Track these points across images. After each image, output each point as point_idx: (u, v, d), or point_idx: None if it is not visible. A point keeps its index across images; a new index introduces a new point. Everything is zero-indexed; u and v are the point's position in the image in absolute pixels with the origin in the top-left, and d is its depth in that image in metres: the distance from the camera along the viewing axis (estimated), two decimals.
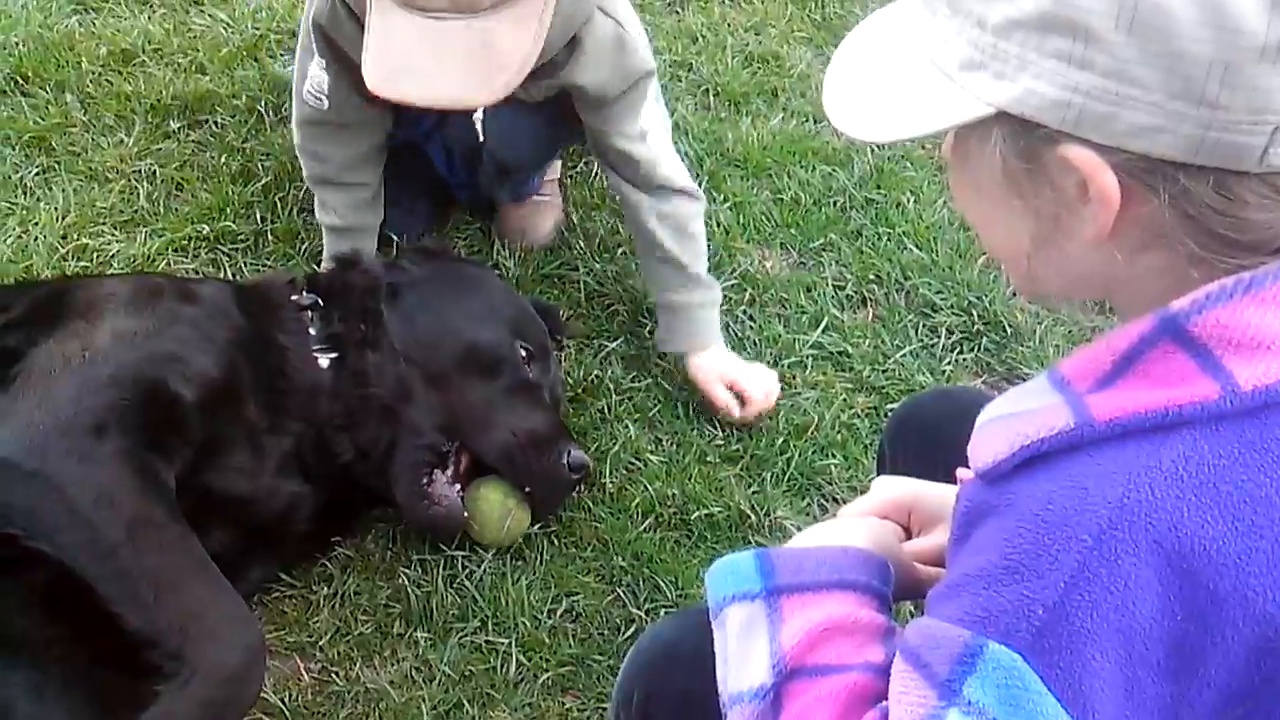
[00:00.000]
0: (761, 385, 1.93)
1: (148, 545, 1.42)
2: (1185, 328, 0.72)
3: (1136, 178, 0.74)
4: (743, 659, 0.88)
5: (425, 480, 1.68)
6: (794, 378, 2.03)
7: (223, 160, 2.38)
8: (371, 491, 1.75)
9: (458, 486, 1.71)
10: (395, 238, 2.13)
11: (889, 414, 1.95)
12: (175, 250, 2.20)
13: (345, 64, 1.86)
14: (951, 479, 1.15)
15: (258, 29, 2.74)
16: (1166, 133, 0.71)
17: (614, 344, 2.06)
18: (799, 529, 1.77)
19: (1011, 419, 0.78)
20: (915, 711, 0.75)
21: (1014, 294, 2.18)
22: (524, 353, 1.81)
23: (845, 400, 2.00)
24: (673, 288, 1.95)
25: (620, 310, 2.13)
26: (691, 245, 1.96)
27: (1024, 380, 1.95)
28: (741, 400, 1.92)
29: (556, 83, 1.83)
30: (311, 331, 1.74)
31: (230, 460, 1.60)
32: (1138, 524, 0.69)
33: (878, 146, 2.35)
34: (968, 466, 1.12)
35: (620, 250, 2.21)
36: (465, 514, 1.69)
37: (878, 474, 1.46)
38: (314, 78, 1.91)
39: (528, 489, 1.72)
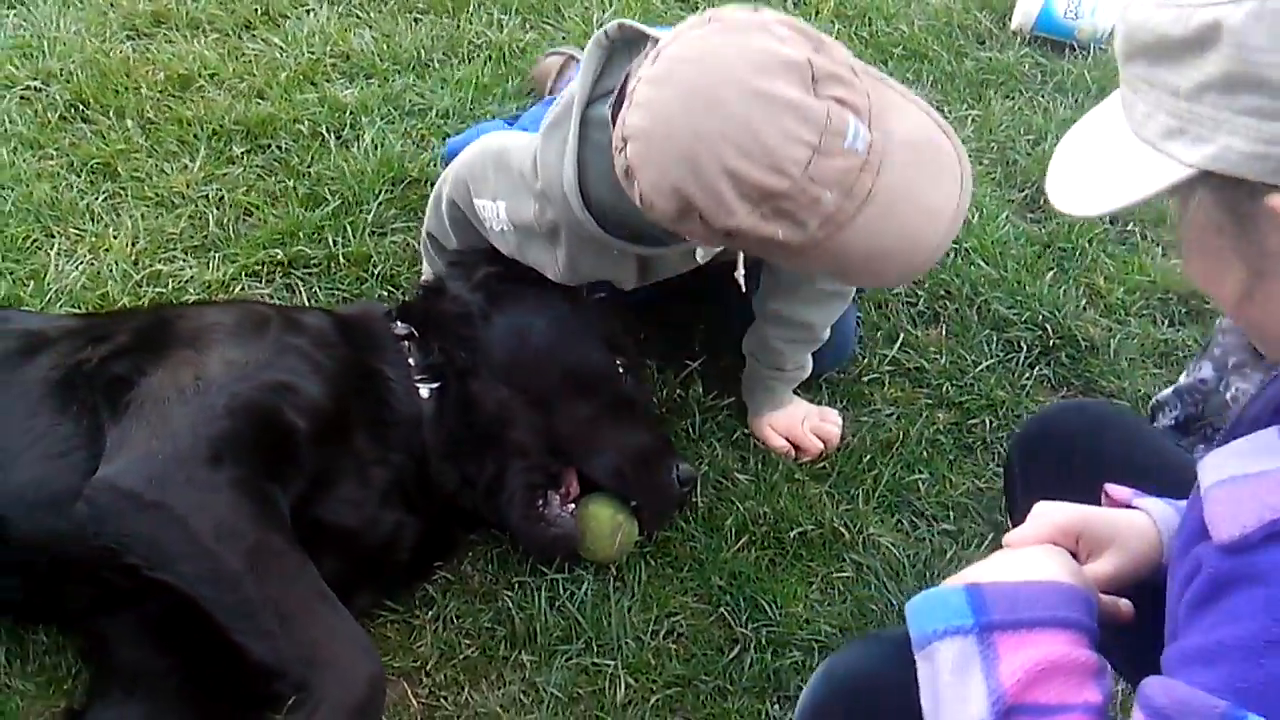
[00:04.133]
0: (814, 434, 1.95)
1: (269, 574, 1.43)
2: None
3: None
4: (958, 696, 0.89)
5: (540, 503, 1.69)
6: (873, 394, 2.05)
7: (290, 185, 2.39)
8: (473, 517, 1.76)
9: (572, 506, 1.72)
10: None
11: (1001, 431, 1.98)
12: (248, 275, 2.21)
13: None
14: (1092, 495, 1.17)
15: (313, 53, 2.75)
16: None
17: (695, 364, 2.07)
18: (892, 546, 1.80)
19: (1254, 482, 0.78)
20: None
21: (1085, 308, 2.20)
22: (621, 368, 1.82)
23: (927, 416, 2.01)
24: (763, 361, 1.95)
25: (700, 329, 2.14)
26: (807, 349, 1.94)
27: (1101, 394, 1.98)
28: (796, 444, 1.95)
29: None
30: (411, 362, 1.74)
31: (340, 491, 1.60)
32: None
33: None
34: (1110, 480, 1.14)
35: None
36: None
37: (1006, 493, 1.48)
38: (493, 217, 1.79)
39: (634, 504, 1.73)
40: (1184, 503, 1.11)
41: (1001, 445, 1.97)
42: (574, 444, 1.75)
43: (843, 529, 1.84)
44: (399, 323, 1.81)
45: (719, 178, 1.32)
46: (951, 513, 1.88)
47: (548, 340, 1.80)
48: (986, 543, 1.83)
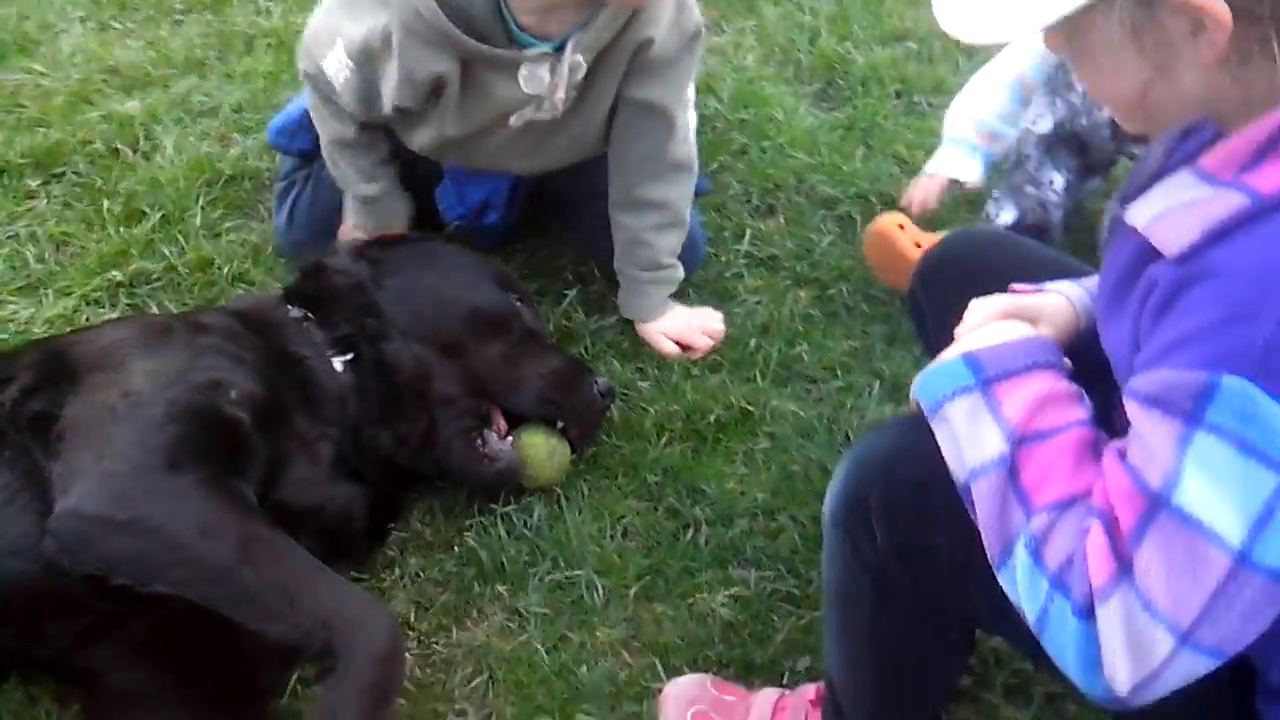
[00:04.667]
0: (702, 334, 2.10)
1: (263, 559, 1.44)
2: None
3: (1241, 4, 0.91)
4: (974, 439, 1.05)
5: (478, 443, 1.75)
6: (737, 288, 2.21)
7: (103, 206, 2.31)
8: (411, 475, 1.80)
9: (509, 439, 1.79)
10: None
11: (856, 295, 2.18)
12: (90, 304, 2.14)
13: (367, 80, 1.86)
14: None
15: (79, 73, 2.66)
16: None
17: (571, 291, 2.17)
18: (796, 411, 1.97)
19: (1187, 208, 0.95)
20: (1162, 445, 0.91)
21: (897, 174, 2.43)
22: (518, 302, 1.90)
23: (791, 296, 2.19)
24: (639, 264, 2.07)
25: (563, 263, 2.24)
26: (675, 236, 2.06)
27: None
28: (685, 347, 2.09)
29: (632, 40, 1.86)
30: (318, 340, 1.76)
31: (294, 473, 1.61)
32: None
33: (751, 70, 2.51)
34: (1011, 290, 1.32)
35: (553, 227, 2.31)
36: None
37: (916, 324, 1.66)
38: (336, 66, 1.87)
39: (562, 425, 1.83)
40: (1086, 280, 1.32)
41: (863, 307, 2.17)
42: (494, 383, 1.82)
43: (749, 407, 1.99)
44: (291, 307, 1.82)
45: None
46: (837, 371, 2.06)
47: (445, 291, 1.85)
48: (874, 390, 2.03)
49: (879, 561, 1.18)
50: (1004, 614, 1.02)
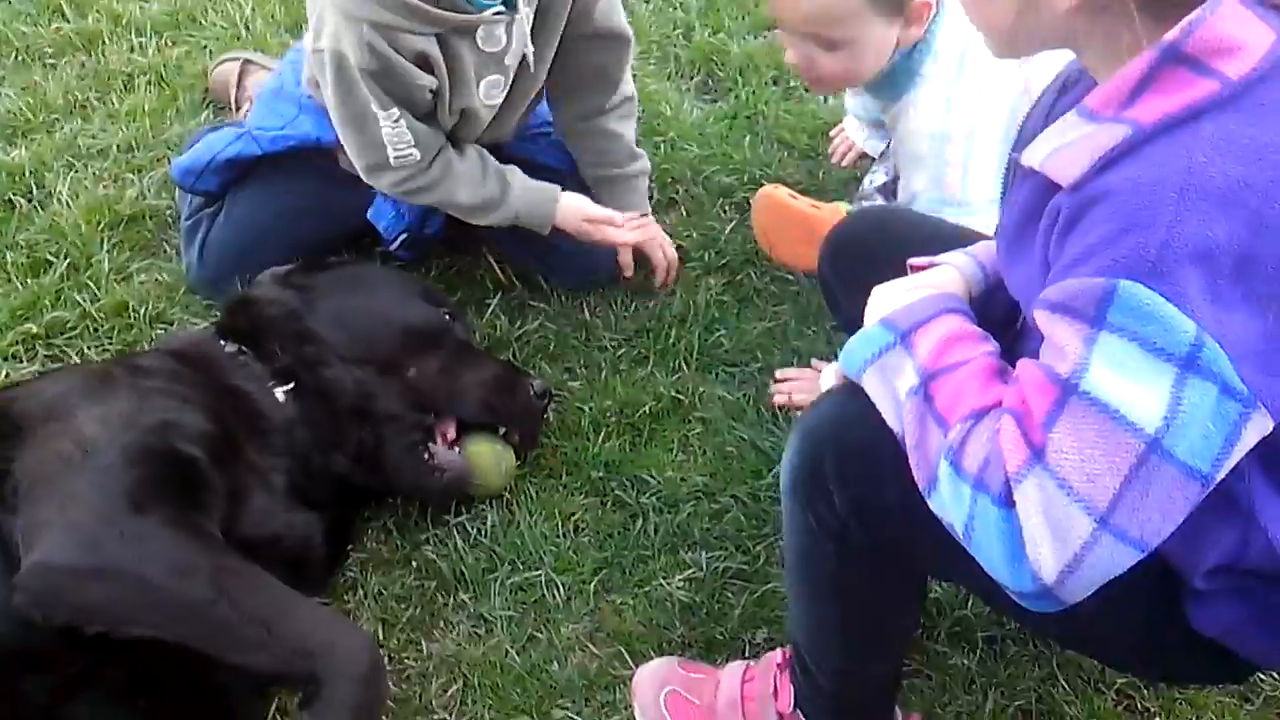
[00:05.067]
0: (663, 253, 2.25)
1: (238, 591, 1.46)
2: (1181, 50, 1.03)
3: None
4: (896, 384, 1.16)
5: (426, 455, 1.80)
6: (650, 282, 2.28)
7: (7, 259, 2.27)
8: (365, 495, 1.84)
9: (457, 449, 1.84)
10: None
11: (765, 278, 2.27)
12: (8, 359, 2.11)
13: (402, 99, 1.90)
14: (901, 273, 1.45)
15: None
16: None
17: (493, 300, 2.22)
18: (723, 394, 2.06)
19: (1077, 144, 1.06)
20: (1070, 342, 1.01)
21: (783, 157, 2.54)
22: (447, 315, 1.95)
23: (703, 284, 2.27)
24: (617, 162, 2.21)
25: (476, 273, 2.29)
26: (632, 124, 2.24)
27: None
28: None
29: None
30: (258, 373, 1.78)
31: (252, 505, 1.64)
32: (1203, 176, 0.98)
33: None
34: (910, 256, 1.43)
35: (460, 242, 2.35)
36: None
37: (827, 301, 1.76)
38: (394, 136, 1.91)
39: (504, 431, 1.89)
40: (974, 246, 1.43)
41: (771, 289, 2.27)
42: (435, 395, 1.86)
43: (679, 396, 2.07)
44: (225, 342, 1.83)
45: None
46: (757, 353, 2.15)
47: (377, 311, 1.89)
48: (794, 365, 2.13)
49: (838, 523, 1.27)
50: (953, 558, 1.10)
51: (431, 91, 1.91)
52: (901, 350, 1.19)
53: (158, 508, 1.48)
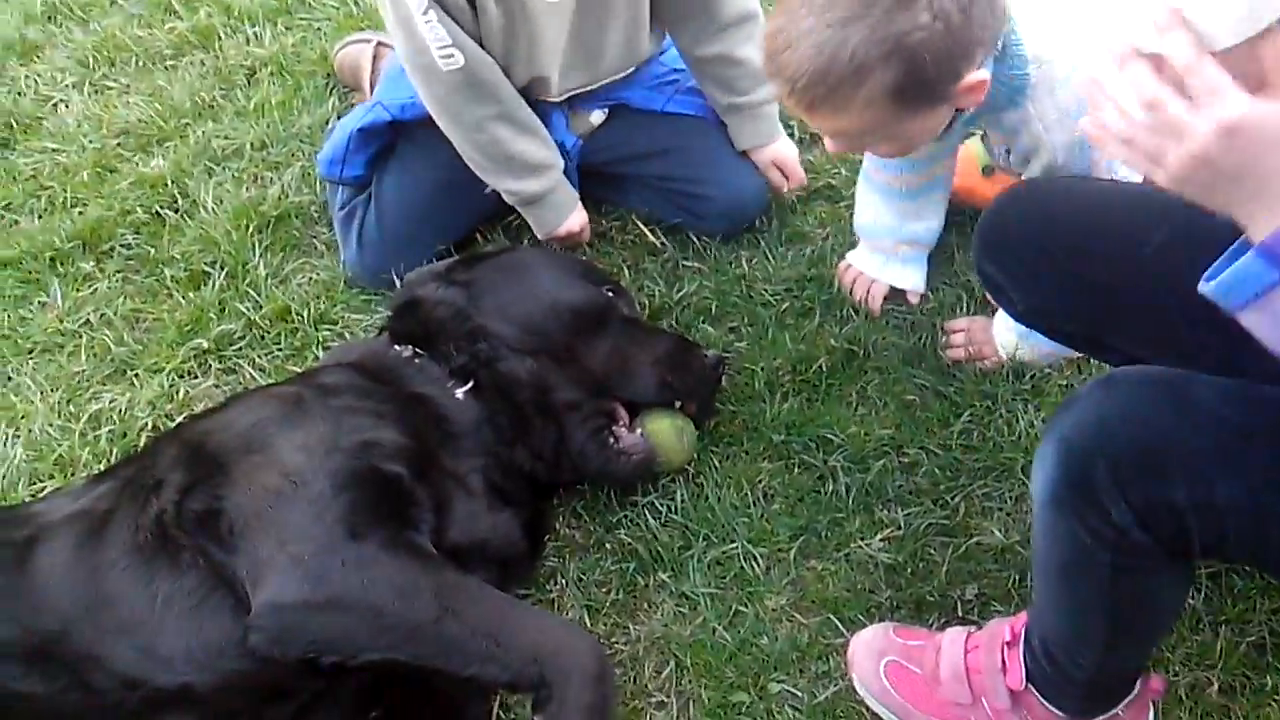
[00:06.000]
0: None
1: (462, 605, 1.48)
2: None
3: None
4: None
5: (611, 440, 1.79)
6: (803, 225, 2.21)
7: (164, 274, 2.31)
8: (553, 485, 1.85)
9: (639, 431, 1.83)
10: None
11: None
12: (182, 376, 2.15)
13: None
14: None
15: (92, 141, 2.62)
16: None
17: (647, 264, 2.19)
18: (896, 340, 2.00)
19: None
20: None
21: None
22: (610, 293, 1.93)
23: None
24: (745, 89, 2.16)
25: (627, 238, 2.26)
26: (755, 47, 2.13)
27: None
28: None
29: None
30: (436, 375, 1.79)
31: (457, 512, 1.65)
32: None
33: None
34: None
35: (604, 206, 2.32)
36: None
37: (994, 297, 1.65)
38: (437, 39, 1.93)
39: (680, 405, 1.87)
40: None
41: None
42: (610, 377, 1.84)
43: (852, 348, 2.02)
44: (398, 347, 1.84)
45: None
46: (927, 292, 2.09)
47: (542, 298, 1.87)
48: (963, 302, 2.06)
49: (1115, 533, 1.19)
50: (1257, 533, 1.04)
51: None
52: None
53: (373, 532, 1.50)
